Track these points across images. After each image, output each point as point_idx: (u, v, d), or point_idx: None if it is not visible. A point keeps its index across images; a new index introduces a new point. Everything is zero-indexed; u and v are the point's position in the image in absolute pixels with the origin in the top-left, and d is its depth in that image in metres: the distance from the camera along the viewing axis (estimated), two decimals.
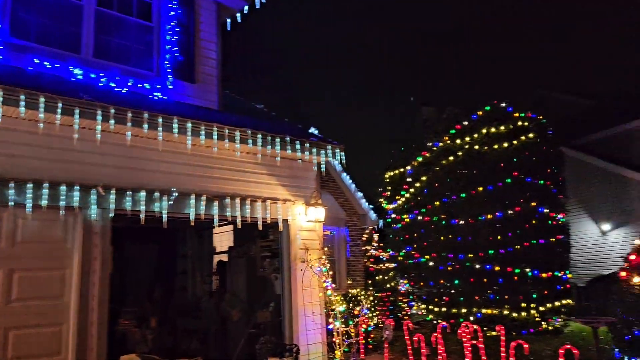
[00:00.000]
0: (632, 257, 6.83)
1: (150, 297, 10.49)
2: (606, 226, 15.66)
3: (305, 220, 8.24)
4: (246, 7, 9.03)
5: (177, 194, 6.75)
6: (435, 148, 13.53)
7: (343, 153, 8.30)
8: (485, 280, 11.86)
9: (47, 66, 6.68)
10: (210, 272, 10.26)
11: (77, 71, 6.90)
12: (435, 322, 8.25)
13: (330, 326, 7.86)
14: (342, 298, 10.39)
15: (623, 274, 6.81)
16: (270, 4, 9.70)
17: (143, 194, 6.41)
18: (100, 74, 7.11)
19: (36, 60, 6.62)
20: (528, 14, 66.51)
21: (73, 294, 5.79)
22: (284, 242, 8.16)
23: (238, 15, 9.14)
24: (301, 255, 8.07)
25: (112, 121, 5.83)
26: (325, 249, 8.44)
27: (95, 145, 6.00)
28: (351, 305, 9.58)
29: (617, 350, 6.79)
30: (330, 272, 8.26)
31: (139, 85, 7.54)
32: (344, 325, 7.79)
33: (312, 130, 11.93)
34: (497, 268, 11.70)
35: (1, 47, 6.39)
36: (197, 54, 8.34)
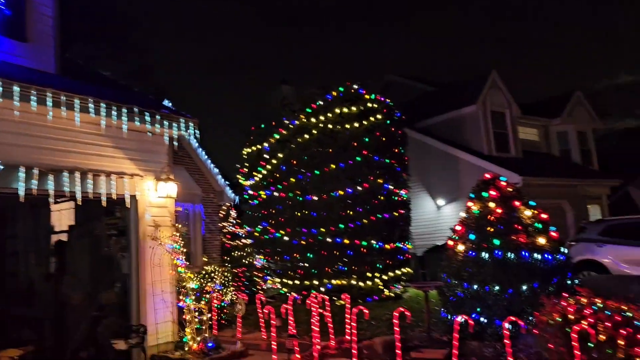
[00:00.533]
0: (458, 227, 7.70)
1: None
2: (441, 201, 17.43)
3: (156, 196, 7.88)
4: None
5: (2, 167, 5.99)
6: (291, 126, 13.79)
7: (197, 127, 8.05)
8: (336, 253, 12.51)
9: None
10: (47, 253, 9.34)
11: None
12: (288, 295, 8.50)
13: (182, 304, 7.68)
14: (196, 275, 10.21)
15: (450, 242, 7.66)
16: None
17: None
18: None
19: None
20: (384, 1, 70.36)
21: None
22: (131, 220, 7.74)
23: None
24: (151, 232, 7.72)
25: None
26: (178, 225, 8.17)
27: None
28: (204, 281, 9.45)
29: (443, 310, 7.66)
30: (184, 250, 8.04)
31: None
32: (195, 303, 7.66)
33: (166, 103, 11.37)
34: (346, 241, 12.40)
35: None
36: (28, 8, 7.41)
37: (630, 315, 4.97)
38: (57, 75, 7.53)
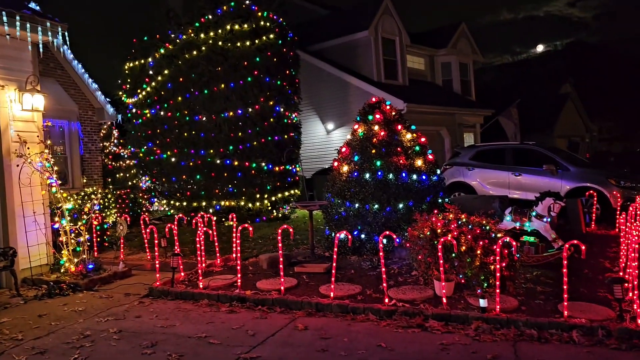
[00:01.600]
0: (343, 149, 7.93)
1: None
2: (330, 126, 17.78)
3: (20, 109, 7.10)
4: None
5: None
6: (178, 41, 12.95)
7: (66, 32, 7.23)
8: (225, 174, 12.40)
9: None
10: None
11: None
12: (175, 216, 8.34)
13: (56, 225, 7.23)
14: (75, 197, 9.61)
15: (335, 164, 7.90)
16: None
17: None
18: None
19: None
20: None
21: None
22: None
23: None
24: (17, 149, 7.02)
25: None
26: (48, 142, 7.50)
27: None
28: (82, 203, 8.92)
29: (327, 228, 8.01)
30: (57, 168, 7.46)
31: None
32: (72, 224, 7.25)
33: (33, 5, 10.02)
34: (236, 163, 12.30)
35: None
36: None
37: (488, 228, 5.56)
38: None
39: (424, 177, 7.54)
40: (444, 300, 5.08)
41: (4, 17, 6.41)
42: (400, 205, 7.30)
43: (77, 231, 7.25)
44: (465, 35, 21.81)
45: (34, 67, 7.39)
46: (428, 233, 5.60)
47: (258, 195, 12.36)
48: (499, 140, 16.22)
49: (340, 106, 17.37)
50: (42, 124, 7.47)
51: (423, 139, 7.99)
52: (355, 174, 7.57)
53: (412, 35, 19.42)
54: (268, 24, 12.70)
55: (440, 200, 7.68)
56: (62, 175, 11.67)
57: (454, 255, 5.38)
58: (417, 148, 7.76)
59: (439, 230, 5.57)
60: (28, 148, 7.10)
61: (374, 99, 8.18)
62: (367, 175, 7.47)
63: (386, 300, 5.19)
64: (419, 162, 7.61)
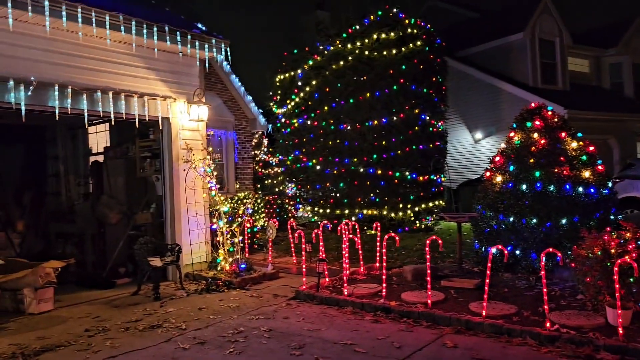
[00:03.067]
0: (497, 158, 7.40)
1: (18, 201, 9.63)
2: (479, 135, 16.90)
3: (188, 119, 7.82)
4: None
5: (35, 84, 5.97)
6: (326, 52, 13.32)
7: (228, 48, 7.81)
8: (368, 183, 12.41)
9: None
10: (85, 174, 9.55)
11: None
12: (319, 223, 8.53)
13: (214, 226, 7.80)
14: (230, 200, 10.34)
15: (487, 174, 7.39)
16: None
17: None
18: None
19: None
20: None
21: None
22: (165, 142, 7.75)
23: None
24: (184, 155, 7.74)
25: None
26: (210, 149, 8.16)
27: None
28: (236, 205, 9.55)
29: (476, 242, 7.53)
30: (216, 174, 8.06)
31: None
32: (227, 226, 7.76)
33: (200, 26, 11.06)
34: (379, 172, 12.25)
35: None
36: None
37: None
38: None
39: (592, 190, 6.72)
40: (620, 330, 4.40)
41: (178, 36, 7.11)
42: (564, 221, 6.57)
43: (231, 232, 7.75)
44: None
45: (200, 80, 8.11)
46: (599, 253, 4.93)
47: (401, 205, 12.16)
48: None
49: (489, 114, 16.45)
50: (206, 133, 8.15)
51: (591, 148, 7.14)
52: (510, 184, 7.01)
53: (575, 35, 17.71)
54: (415, 30, 12.50)
55: (612, 217, 6.78)
56: (220, 180, 12.66)
57: (632, 280, 4.66)
58: (584, 158, 6.95)
59: (612, 251, 4.88)
60: (193, 154, 7.79)
61: (533, 104, 7.52)
62: (524, 187, 6.86)
63: (547, 324, 4.66)
64: (586, 174, 6.80)
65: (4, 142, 9.23)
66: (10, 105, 5.86)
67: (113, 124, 6.86)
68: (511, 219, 6.87)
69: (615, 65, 18.79)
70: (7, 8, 5.40)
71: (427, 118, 12.35)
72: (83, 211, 8.58)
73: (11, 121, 6.99)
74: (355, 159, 12.55)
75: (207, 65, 8.08)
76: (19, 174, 9.82)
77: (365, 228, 11.49)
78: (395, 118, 12.12)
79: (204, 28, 9.04)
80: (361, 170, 12.46)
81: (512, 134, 7.40)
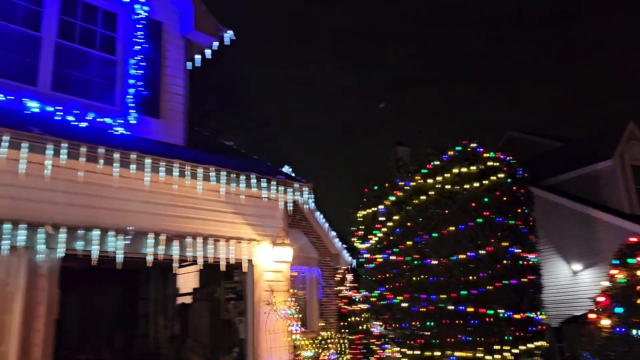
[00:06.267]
0: (601, 299, 6.72)
1: (110, 344, 9.95)
2: (577, 266, 15.66)
3: (272, 260, 7.96)
4: (215, 44, 8.96)
5: (133, 233, 6.45)
6: (407, 187, 13.47)
7: (311, 192, 8.13)
8: (458, 321, 11.61)
9: (0, 98, 6.41)
10: (173, 315, 9.79)
11: (32, 104, 6.66)
12: None
13: None
14: (312, 341, 10.02)
15: (592, 316, 6.68)
16: (241, 39, 9.69)
17: (97, 232, 6.09)
18: (58, 107, 6.87)
19: None
20: (501, 55, 68.85)
21: (13, 342, 5.35)
22: (248, 284, 7.85)
23: (208, 51, 9.06)
24: (266, 297, 7.75)
25: (63, 156, 5.56)
26: (293, 290, 8.14)
27: (45, 181, 5.70)
28: (320, 350, 9.21)
29: None
30: (300, 315, 7.94)
31: (100, 119, 7.31)
32: None
33: (286, 168, 11.79)
34: (470, 309, 11.47)
35: None
36: (162, 89, 8.19)
37: None
38: (184, 147, 8.12)
39: None
40: None
41: (263, 183, 7.55)
42: None
43: None
44: None
45: (284, 222, 8.37)
46: None
47: (497, 347, 11.11)
48: None
49: (585, 243, 15.36)
50: (289, 274, 8.20)
51: None
52: (620, 329, 6.25)
53: None
54: (496, 163, 12.43)
55: None
56: (303, 318, 12.44)
57: None
58: None
59: None
60: (274, 296, 7.78)
61: (633, 239, 6.96)
62: (635, 332, 6.08)
63: None
64: None
65: (101, 286, 9.83)
66: (109, 253, 6.30)
67: (201, 267, 7.12)
68: None
69: None
70: (114, 167, 6.05)
71: (517, 251, 11.71)
72: (168, 355, 8.64)
73: (109, 266, 7.48)
74: (443, 296, 11.92)
75: (289, 207, 8.39)
76: (114, 316, 10.28)
77: None
78: (482, 252, 11.61)
79: (291, 171, 9.60)
80: (450, 307, 11.75)
81: (614, 272, 6.78)
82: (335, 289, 15.23)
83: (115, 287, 10.35)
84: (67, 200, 6.02)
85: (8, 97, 6.48)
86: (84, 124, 7.04)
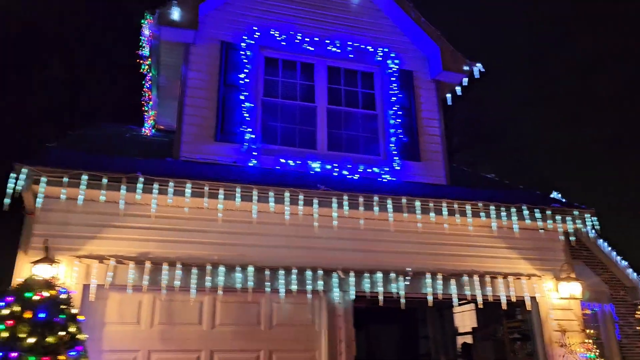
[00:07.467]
0: None
1: None
2: None
3: (557, 297, 7.26)
4: (465, 80, 8.96)
5: (412, 274, 6.69)
6: None
7: (595, 218, 7.23)
8: None
9: (291, 164, 7.56)
10: (455, 355, 9.67)
11: (314, 165, 7.65)
12: None
13: None
14: None
15: None
16: (490, 69, 9.48)
17: (380, 275, 6.52)
18: (334, 165, 7.74)
19: (282, 160, 7.56)
20: None
21: None
22: (534, 323, 7.28)
23: (458, 88, 9.12)
24: (557, 338, 7.05)
25: (345, 207, 6.19)
26: (589, 330, 7.23)
27: (333, 231, 6.40)
28: None
29: None
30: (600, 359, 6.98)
31: (368, 170, 7.94)
32: None
33: (555, 195, 10.80)
34: None
35: (256, 153, 7.51)
36: (420, 132, 8.49)
37: None
38: (448, 186, 8.18)
39: None
40: None
41: (536, 213, 7.05)
42: None
43: None
44: None
45: (566, 255, 7.60)
46: None
47: None
48: None
49: None
50: (580, 312, 7.34)
51: None
52: None
53: None
54: None
55: None
56: None
57: None
58: None
59: None
60: (567, 337, 7.01)
61: None
62: None
63: None
64: None
65: (382, 323, 10.39)
66: (392, 294, 6.65)
67: (481, 306, 6.91)
68: None
69: None
70: (389, 214, 6.44)
71: None
72: None
73: (388, 305, 7.88)
74: None
75: (570, 237, 7.59)
76: (393, 354, 10.71)
77: None
78: None
79: (561, 199, 8.76)
80: None
81: None
82: (636, 328, 12.94)
83: (394, 326, 10.81)
84: (352, 246, 6.64)
85: (297, 162, 7.59)
86: (356, 176, 7.75)
